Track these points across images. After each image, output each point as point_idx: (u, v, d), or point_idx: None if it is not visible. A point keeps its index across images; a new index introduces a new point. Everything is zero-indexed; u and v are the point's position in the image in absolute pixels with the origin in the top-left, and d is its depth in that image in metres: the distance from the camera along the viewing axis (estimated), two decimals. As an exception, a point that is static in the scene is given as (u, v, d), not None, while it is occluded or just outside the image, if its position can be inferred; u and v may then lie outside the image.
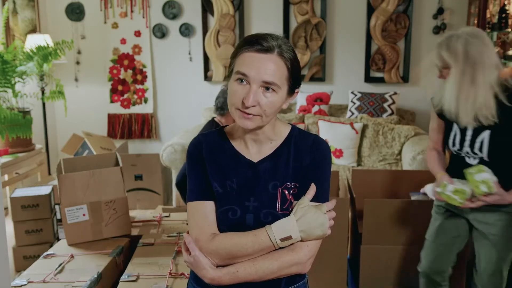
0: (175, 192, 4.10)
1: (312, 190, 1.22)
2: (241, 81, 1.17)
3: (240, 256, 1.19)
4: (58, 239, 2.97)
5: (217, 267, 1.21)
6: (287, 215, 1.21)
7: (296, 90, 1.25)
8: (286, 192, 1.23)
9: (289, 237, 1.17)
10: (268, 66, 1.16)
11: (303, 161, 1.24)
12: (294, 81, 1.23)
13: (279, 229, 1.18)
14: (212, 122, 3.25)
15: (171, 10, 4.89)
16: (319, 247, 1.23)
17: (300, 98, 4.72)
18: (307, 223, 1.18)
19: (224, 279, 1.19)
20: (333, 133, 4.19)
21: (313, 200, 1.22)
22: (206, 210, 1.24)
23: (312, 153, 1.25)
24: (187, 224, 2.41)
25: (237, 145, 1.28)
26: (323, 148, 1.26)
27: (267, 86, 1.17)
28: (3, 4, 4.20)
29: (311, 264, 1.22)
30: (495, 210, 2.08)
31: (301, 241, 1.19)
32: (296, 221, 1.18)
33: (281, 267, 1.18)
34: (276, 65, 1.17)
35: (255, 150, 1.26)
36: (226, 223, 1.23)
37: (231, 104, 1.20)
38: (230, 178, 1.24)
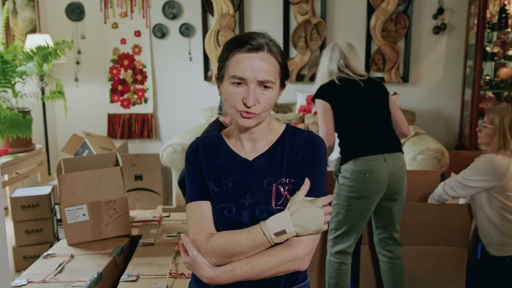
0: (175, 192, 4.10)
1: (306, 184, 1.22)
2: (238, 84, 1.19)
3: (236, 254, 1.19)
4: (58, 239, 2.97)
5: (215, 266, 1.21)
6: (282, 210, 1.21)
7: (285, 82, 1.28)
8: (281, 188, 1.23)
9: (283, 232, 1.17)
10: (261, 65, 1.19)
11: (297, 157, 1.25)
12: (285, 74, 1.26)
13: (273, 224, 1.18)
14: (216, 122, 3.25)
15: (171, 10, 4.89)
16: (317, 244, 1.23)
17: (300, 98, 4.72)
18: (301, 217, 1.18)
19: (221, 277, 1.19)
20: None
21: (308, 195, 1.22)
22: (203, 210, 1.26)
23: (306, 148, 1.26)
24: (187, 224, 2.41)
25: (233, 145, 1.30)
26: (317, 143, 1.27)
27: (263, 84, 1.19)
28: (3, 4, 4.20)
29: (309, 260, 1.22)
30: None
31: (297, 236, 1.19)
32: (290, 216, 1.18)
33: (278, 264, 1.18)
34: (268, 62, 1.20)
35: (250, 149, 1.28)
36: (222, 222, 1.24)
37: (231, 106, 1.22)
38: (226, 177, 1.26)
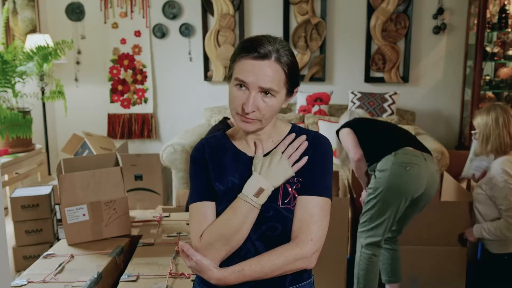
0: (175, 192, 4.10)
1: (259, 149, 1.26)
2: (240, 86, 1.19)
3: (232, 235, 1.19)
4: (58, 239, 2.97)
5: (221, 266, 1.21)
6: (289, 209, 1.22)
7: (295, 90, 1.27)
8: (289, 188, 1.23)
9: (261, 190, 1.19)
10: (265, 73, 1.17)
11: (304, 156, 1.25)
12: (292, 83, 1.24)
13: (249, 188, 1.20)
14: (221, 122, 3.23)
15: (171, 10, 4.89)
16: (323, 243, 1.23)
17: (300, 98, 4.72)
18: (268, 170, 1.21)
19: (230, 278, 1.19)
20: (333, 133, 4.18)
21: (315, 194, 1.23)
22: (206, 210, 1.25)
23: (313, 148, 1.26)
24: (187, 224, 2.41)
25: (239, 144, 1.30)
26: (324, 143, 1.28)
27: (265, 91, 1.19)
28: (3, 4, 4.20)
29: (316, 258, 1.22)
30: None
31: (276, 188, 1.21)
32: (259, 174, 1.21)
33: (286, 263, 1.18)
34: (273, 71, 1.18)
35: None
36: None
37: (232, 108, 1.23)
38: (232, 174, 1.26)
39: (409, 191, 2.46)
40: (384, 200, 2.48)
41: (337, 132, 2.79)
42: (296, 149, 1.24)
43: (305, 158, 1.23)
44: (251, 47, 1.19)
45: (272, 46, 1.19)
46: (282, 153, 1.24)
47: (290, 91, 1.25)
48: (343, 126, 2.76)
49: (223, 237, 1.19)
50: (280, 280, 1.23)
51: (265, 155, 1.27)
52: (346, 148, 2.71)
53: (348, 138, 2.68)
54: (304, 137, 1.26)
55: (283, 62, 1.19)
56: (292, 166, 1.23)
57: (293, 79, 1.24)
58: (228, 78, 1.26)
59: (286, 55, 1.20)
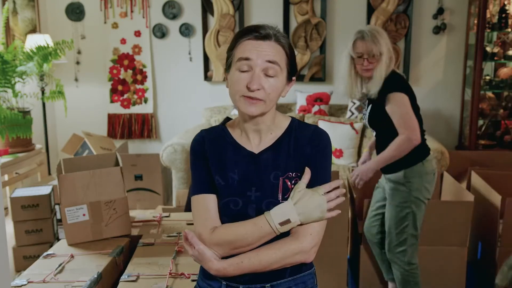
0: (175, 192, 4.10)
1: (307, 174, 1.24)
2: (243, 71, 1.21)
3: (242, 246, 1.21)
4: (58, 239, 2.97)
5: (222, 258, 1.23)
6: None
7: (293, 78, 1.29)
8: (288, 182, 1.24)
9: (288, 221, 1.19)
10: (268, 50, 1.21)
11: (304, 151, 1.26)
12: (292, 67, 1.28)
13: (277, 214, 1.20)
14: (227, 121, 3.22)
15: (171, 10, 4.89)
16: (322, 236, 1.25)
17: (300, 98, 4.72)
18: (305, 205, 1.20)
19: (229, 270, 1.21)
20: (333, 133, 4.19)
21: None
22: (208, 203, 1.27)
23: (312, 143, 1.27)
24: (187, 224, 2.42)
25: (238, 138, 1.30)
26: (324, 138, 1.28)
27: (269, 68, 1.21)
28: (3, 4, 4.20)
29: (315, 252, 1.24)
30: (387, 179, 2.52)
31: (301, 224, 1.20)
32: (294, 205, 1.20)
33: (284, 256, 1.20)
34: (275, 49, 1.22)
35: (256, 142, 1.29)
36: (228, 214, 1.25)
37: (235, 92, 1.23)
38: (232, 170, 1.26)
39: (431, 196, 2.53)
40: (418, 211, 2.47)
41: (390, 92, 2.41)
42: (336, 198, 1.23)
43: (331, 213, 1.23)
44: (251, 30, 1.23)
45: (271, 30, 1.24)
46: (326, 193, 1.22)
47: (290, 76, 1.28)
48: (402, 88, 2.42)
49: (234, 244, 1.21)
50: (280, 271, 1.24)
51: (266, 149, 1.27)
52: (403, 120, 2.39)
53: (410, 112, 2.42)
54: (343, 190, 1.25)
55: (283, 42, 1.24)
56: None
57: (292, 62, 1.27)
58: (226, 69, 1.27)
59: (284, 37, 1.26)
